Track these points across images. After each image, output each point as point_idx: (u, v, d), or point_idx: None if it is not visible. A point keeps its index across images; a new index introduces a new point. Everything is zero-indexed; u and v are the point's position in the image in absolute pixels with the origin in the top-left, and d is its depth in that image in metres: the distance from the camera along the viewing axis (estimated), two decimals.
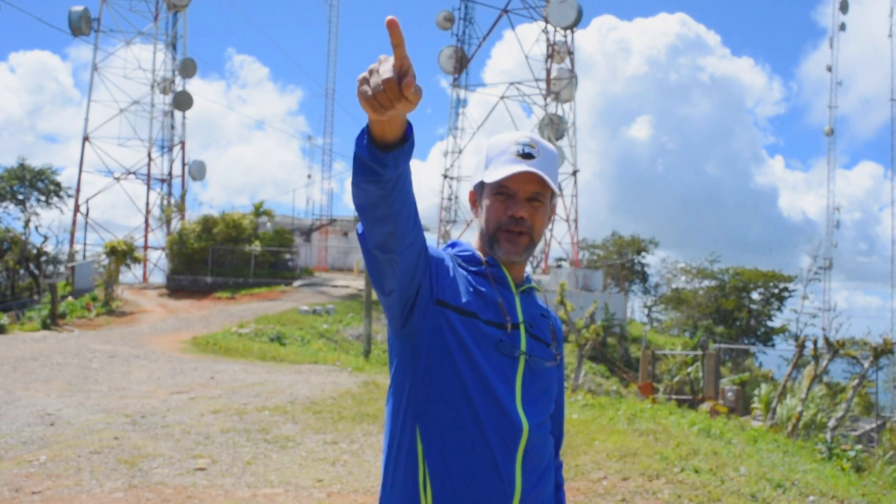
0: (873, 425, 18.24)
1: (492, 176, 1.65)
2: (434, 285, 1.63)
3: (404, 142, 1.35)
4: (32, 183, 36.50)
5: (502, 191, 1.68)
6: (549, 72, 36.03)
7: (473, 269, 1.73)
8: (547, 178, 1.65)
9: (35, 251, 26.86)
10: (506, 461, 1.61)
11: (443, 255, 1.70)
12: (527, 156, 1.66)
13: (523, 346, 1.69)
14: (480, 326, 1.64)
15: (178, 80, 36.62)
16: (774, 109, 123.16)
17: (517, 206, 1.67)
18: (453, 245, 1.80)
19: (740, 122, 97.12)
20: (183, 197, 36.09)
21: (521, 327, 1.70)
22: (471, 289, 1.68)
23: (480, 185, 1.73)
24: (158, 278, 33.88)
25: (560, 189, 1.78)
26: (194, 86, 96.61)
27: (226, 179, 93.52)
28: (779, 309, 45.12)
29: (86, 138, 35.15)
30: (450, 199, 37.47)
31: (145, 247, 34.94)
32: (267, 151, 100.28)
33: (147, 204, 36.17)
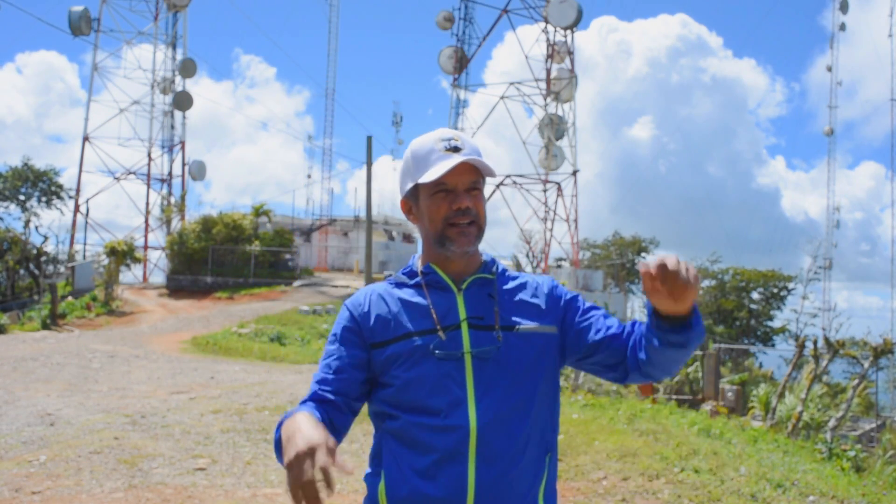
0: (873, 425, 18.25)
1: (429, 176, 1.66)
2: (363, 340, 1.74)
3: None
4: (34, 184, 36.48)
5: (441, 188, 1.68)
6: (549, 72, 36.01)
7: (411, 283, 1.77)
8: (483, 163, 1.67)
9: (35, 251, 26.86)
10: (452, 464, 1.62)
11: (361, 303, 1.78)
12: (455, 149, 1.67)
13: (467, 345, 1.68)
14: (415, 342, 1.69)
15: (178, 80, 36.63)
16: (777, 111, 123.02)
17: (460, 198, 1.68)
18: (406, 267, 1.83)
19: (742, 122, 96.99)
20: (183, 197, 36.09)
21: (464, 325, 1.69)
22: (398, 309, 1.74)
23: (414, 192, 1.74)
24: (158, 278, 33.89)
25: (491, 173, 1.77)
26: (202, 86, 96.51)
27: (230, 180, 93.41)
28: (779, 309, 45.13)
29: (86, 138, 35.16)
30: None
31: (145, 247, 34.94)
32: (272, 152, 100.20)
33: (147, 204, 36.21)
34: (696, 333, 1.57)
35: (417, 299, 1.74)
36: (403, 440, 1.68)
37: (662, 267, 1.45)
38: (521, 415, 1.68)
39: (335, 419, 1.69)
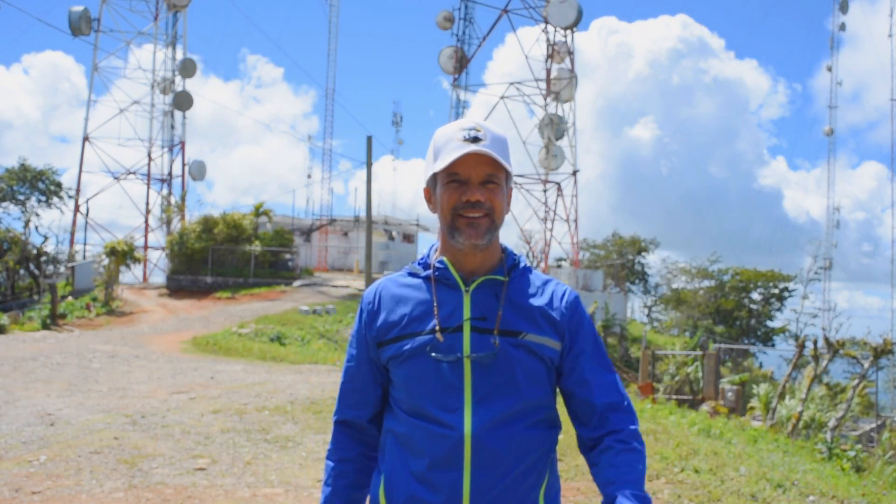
0: (873, 425, 18.23)
1: (440, 164, 1.63)
2: (371, 339, 1.74)
3: None
4: (33, 183, 36.46)
5: (454, 178, 1.64)
6: (549, 72, 36.01)
7: (422, 276, 1.73)
8: (497, 156, 1.62)
9: (35, 251, 26.86)
10: (447, 470, 1.60)
11: (371, 300, 1.76)
12: (473, 140, 1.63)
13: (467, 348, 1.63)
14: (414, 342, 1.66)
15: (178, 80, 36.63)
16: (779, 111, 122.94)
17: (471, 190, 1.63)
18: (425, 256, 1.79)
19: (744, 123, 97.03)
20: (183, 197, 36.08)
21: (466, 327, 1.64)
22: (404, 306, 1.70)
23: (433, 179, 1.70)
24: (159, 278, 33.88)
25: (511, 171, 1.71)
26: (210, 86, 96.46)
27: (233, 180, 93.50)
28: (779, 309, 45.14)
29: (86, 138, 35.17)
30: None
31: (145, 247, 34.94)
32: (276, 152, 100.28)
33: (147, 204, 36.21)
34: None
35: (424, 296, 1.69)
36: (402, 441, 1.68)
37: None
38: (522, 421, 1.64)
39: (370, 439, 1.80)
